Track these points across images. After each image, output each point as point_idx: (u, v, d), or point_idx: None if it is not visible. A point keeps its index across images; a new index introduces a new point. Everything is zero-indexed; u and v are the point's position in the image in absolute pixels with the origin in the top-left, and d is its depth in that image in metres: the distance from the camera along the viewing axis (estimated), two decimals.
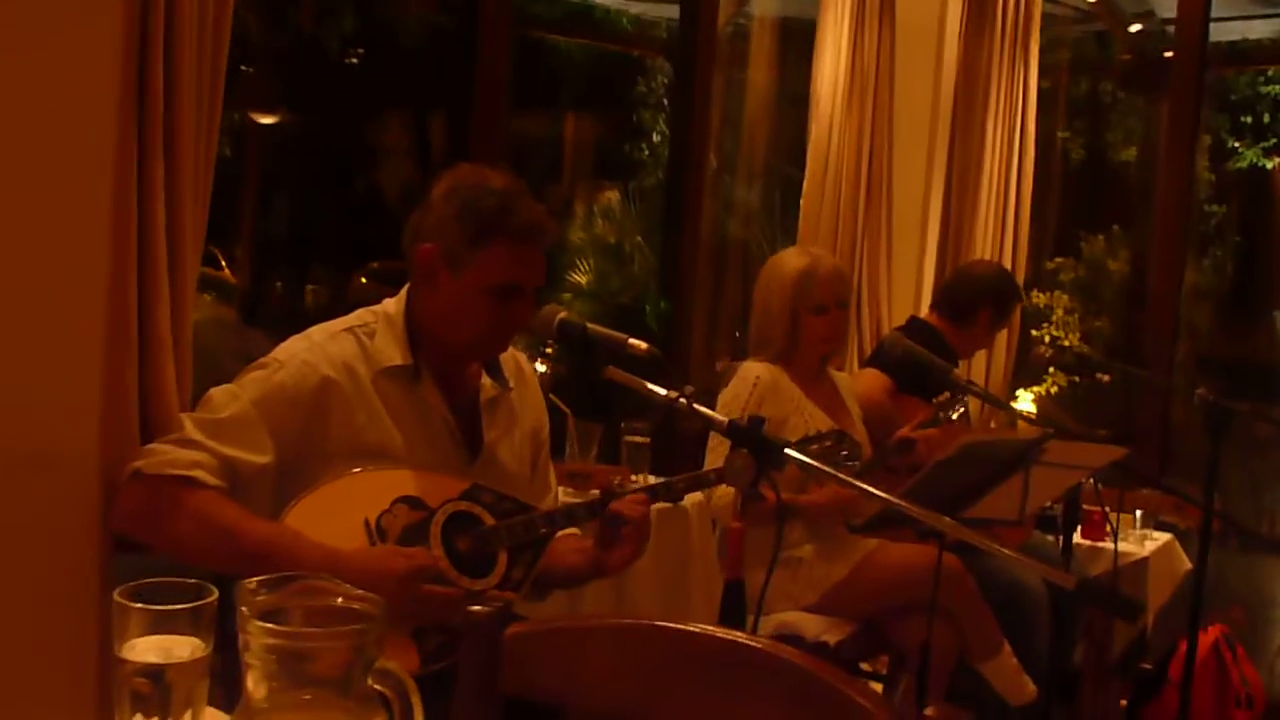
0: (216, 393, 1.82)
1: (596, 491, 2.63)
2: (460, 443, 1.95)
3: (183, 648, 0.96)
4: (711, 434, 2.81)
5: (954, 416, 2.94)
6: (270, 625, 0.82)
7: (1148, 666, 3.89)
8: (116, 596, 0.95)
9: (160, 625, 0.95)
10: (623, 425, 3.06)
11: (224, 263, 5.39)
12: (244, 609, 0.84)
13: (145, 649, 0.95)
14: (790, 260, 2.98)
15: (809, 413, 2.91)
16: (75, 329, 1.88)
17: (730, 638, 1.09)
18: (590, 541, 1.99)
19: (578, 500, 2.14)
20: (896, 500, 1.62)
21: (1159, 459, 4.32)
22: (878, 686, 3.10)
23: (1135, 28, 6.12)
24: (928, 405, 3.08)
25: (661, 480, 2.08)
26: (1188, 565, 3.85)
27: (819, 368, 3.06)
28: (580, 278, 6.84)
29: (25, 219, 1.81)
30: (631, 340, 1.83)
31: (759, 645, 1.09)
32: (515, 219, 1.86)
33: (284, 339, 1.91)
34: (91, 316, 1.88)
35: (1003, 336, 4.32)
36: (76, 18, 1.82)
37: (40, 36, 1.79)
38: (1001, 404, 3.76)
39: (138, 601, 0.95)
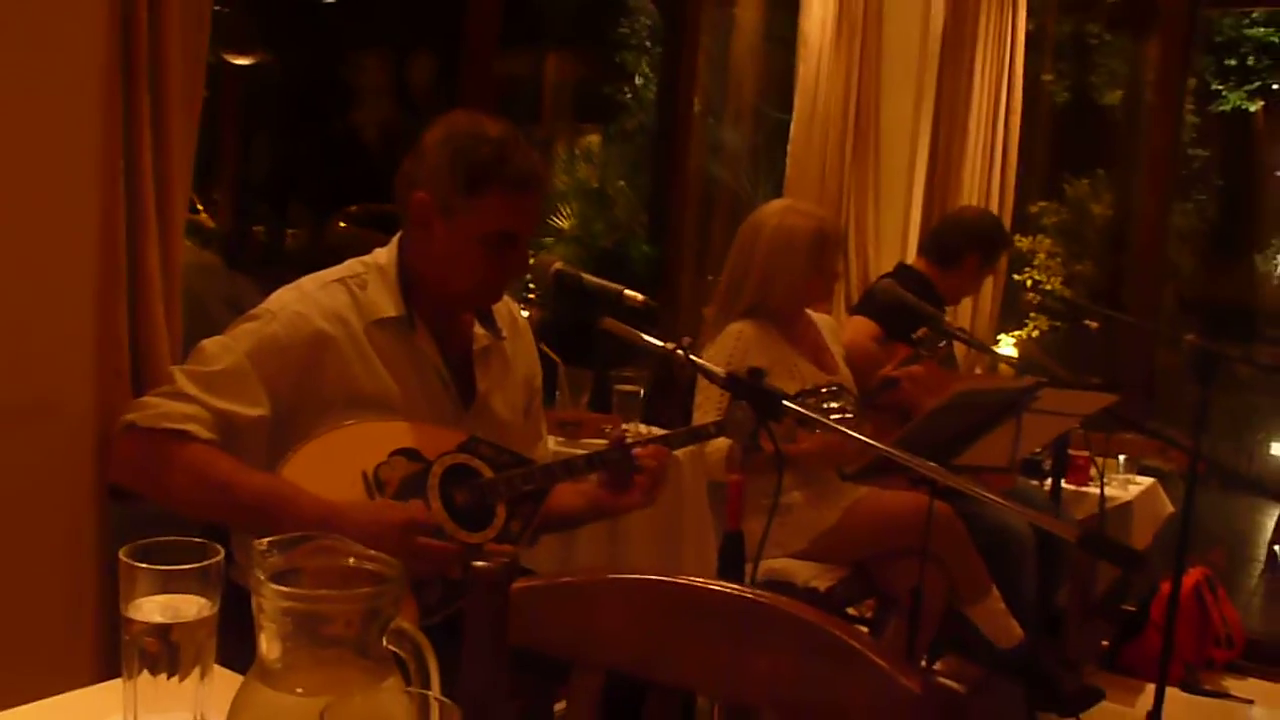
0: (208, 344, 1.80)
1: (589, 440, 2.64)
2: (453, 392, 1.95)
3: (190, 606, 0.95)
4: (699, 387, 2.81)
5: (932, 353, 2.96)
6: (285, 589, 0.81)
7: (1130, 608, 3.96)
8: (123, 556, 0.94)
9: (167, 585, 0.95)
10: (612, 373, 3.04)
11: (201, 206, 5.31)
12: (257, 571, 0.83)
13: (152, 608, 0.94)
14: (798, 221, 2.94)
15: (794, 362, 2.91)
16: (66, 276, 1.85)
17: (737, 592, 1.09)
18: (587, 485, 1.99)
19: (572, 449, 2.14)
20: (891, 450, 1.63)
21: (1143, 403, 4.36)
22: (864, 630, 3.14)
23: None
24: (911, 346, 3.09)
25: (661, 434, 2.08)
26: (1170, 508, 3.90)
27: (799, 315, 3.05)
28: (562, 222, 6.80)
29: (10, 163, 1.77)
30: (627, 291, 1.82)
31: (765, 599, 1.09)
32: (510, 168, 1.83)
33: (268, 283, 1.90)
34: (82, 262, 1.85)
35: (988, 280, 4.33)
36: None
37: None
38: (987, 349, 3.77)
39: (144, 561, 0.94)
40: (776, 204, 3.07)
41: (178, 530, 0.98)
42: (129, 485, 1.78)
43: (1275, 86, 7.07)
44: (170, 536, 0.95)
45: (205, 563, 0.94)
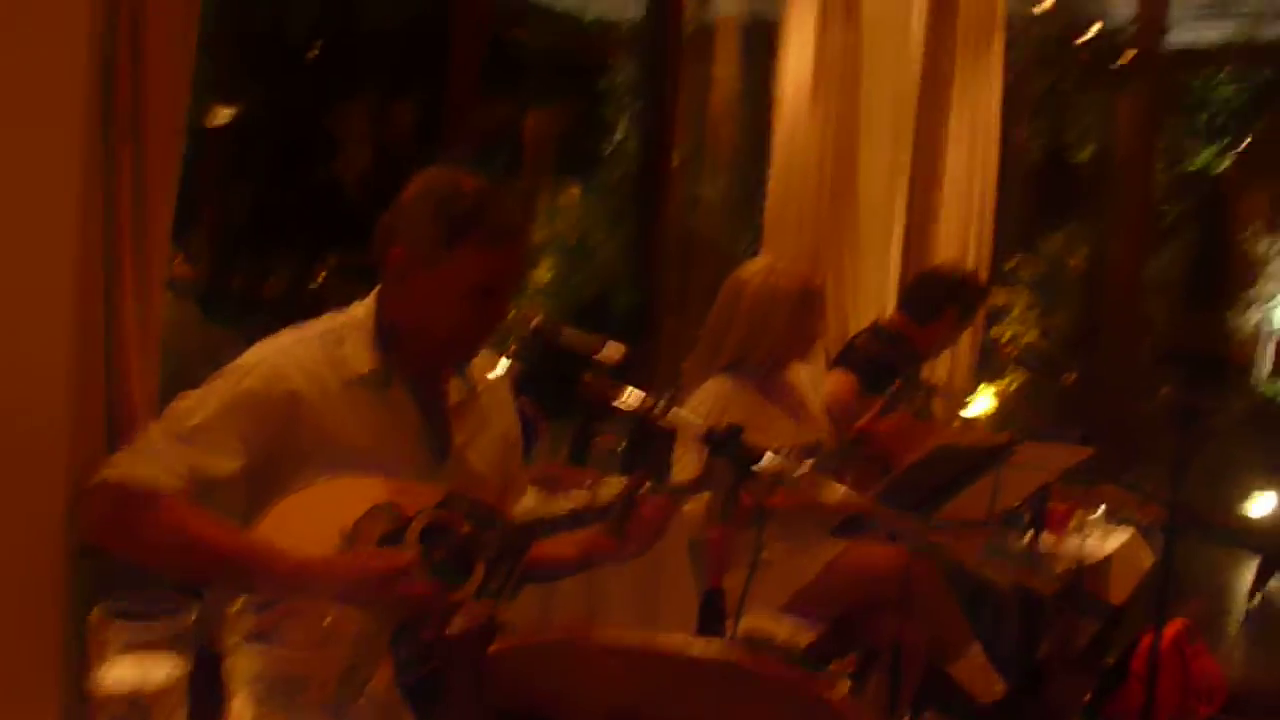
0: (184, 399, 1.79)
1: (567, 495, 2.62)
2: (429, 447, 1.94)
3: (161, 666, 0.94)
4: (678, 444, 2.81)
5: (906, 403, 2.98)
6: (261, 648, 0.81)
7: (1110, 661, 3.95)
8: (95, 614, 0.93)
9: (139, 644, 0.93)
10: (592, 427, 3.04)
11: (179, 257, 5.31)
12: (232, 633, 0.82)
13: (123, 668, 0.93)
14: (781, 282, 2.95)
15: (771, 418, 2.92)
16: (41, 329, 1.84)
17: (719, 655, 1.09)
18: (583, 533, 1.99)
19: (549, 505, 2.13)
20: (869, 502, 1.63)
21: (1121, 455, 4.38)
22: (846, 685, 3.12)
23: (1095, 29, 6.20)
24: (886, 399, 3.11)
25: (625, 494, 2.07)
26: (1149, 560, 3.91)
27: (779, 371, 3.06)
28: (542, 274, 6.83)
29: None
30: (604, 351, 1.82)
31: (746, 659, 1.09)
32: (490, 219, 1.84)
33: (245, 334, 1.89)
34: (58, 314, 1.84)
35: (966, 333, 4.36)
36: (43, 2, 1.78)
37: (3, 18, 1.75)
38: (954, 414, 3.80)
39: (115, 618, 0.93)
40: (759, 262, 3.09)
41: (150, 589, 0.97)
42: (101, 543, 1.76)
43: (1242, 145, 7.20)
44: (142, 594, 0.94)
45: (178, 622, 0.93)
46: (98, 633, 0.92)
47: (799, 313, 2.94)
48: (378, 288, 1.96)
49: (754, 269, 3.02)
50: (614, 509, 1.93)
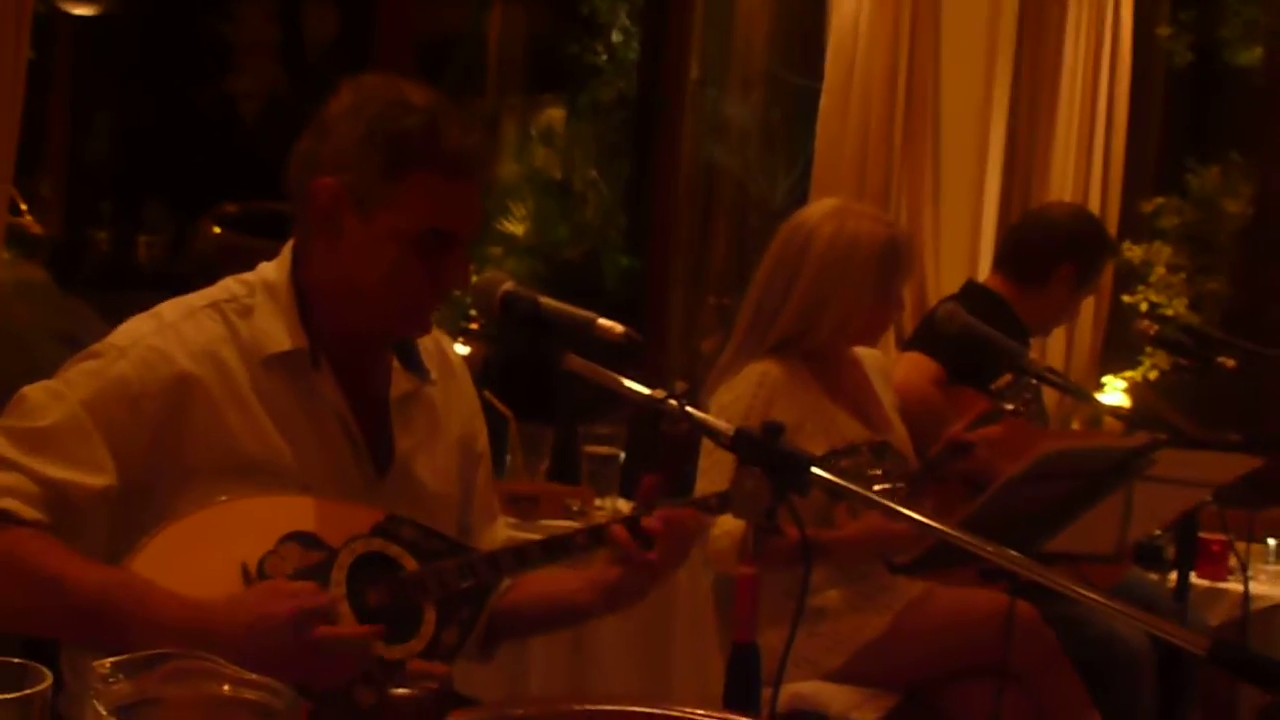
0: (33, 392, 1.80)
1: (549, 521, 2.64)
2: (364, 454, 1.95)
3: None
4: (705, 450, 2.82)
5: (1019, 407, 2.97)
6: None
7: None
8: None
9: None
10: (581, 431, 3.06)
11: (24, 206, 5.33)
12: (97, 703, 0.83)
13: None
14: (863, 228, 2.95)
15: (831, 416, 2.92)
16: None
17: None
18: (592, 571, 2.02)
19: (526, 533, 2.14)
20: (953, 532, 1.63)
21: None
22: None
23: None
24: (988, 397, 3.10)
25: (638, 508, 2.08)
26: None
27: (844, 354, 3.07)
28: (514, 226, 6.83)
29: None
30: (600, 320, 1.83)
31: None
32: (445, 142, 1.85)
33: (114, 309, 1.90)
34: None
35: (1087, 305, 4.36)
36: None
37: None
38: (1087, 396, 3.80)
39: None
40: (826, 204, 3.09)
41: None
42: None
43: None
44: None
45: (27, 691, 0.94)
46: None
47: (886, 272, 2.94)
48: (291, 241, 1.97)
49: (820, 212, 3.01)
50: (545, 555, 1.94)
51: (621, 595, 2.01)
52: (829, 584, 2.95)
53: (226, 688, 0.88)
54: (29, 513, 1.72)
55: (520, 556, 1.94)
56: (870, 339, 3.11)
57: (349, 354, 1.95)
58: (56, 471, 1.74)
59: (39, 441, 1.75)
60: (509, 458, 3.07)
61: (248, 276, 1.96)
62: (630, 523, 1.96)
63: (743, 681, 1.73)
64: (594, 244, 6.71)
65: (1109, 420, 4.24)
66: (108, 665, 0.87)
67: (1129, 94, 4.61)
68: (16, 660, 0.95)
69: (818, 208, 3.06)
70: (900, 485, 2.31)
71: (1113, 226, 4.44)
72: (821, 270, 2.93)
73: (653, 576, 1.98)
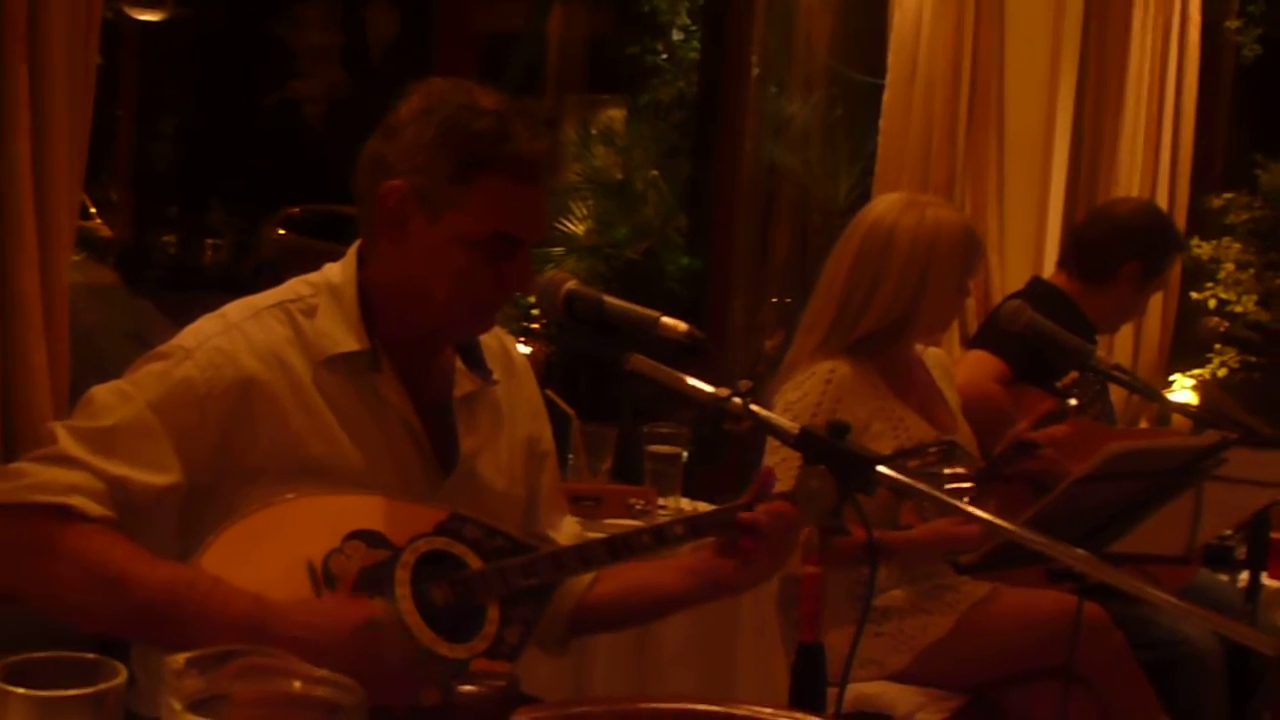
0: (101, 392, 1.82)
1: (611, 520, 2.64)
2: (429, 454, 1.96)
3: None
4: (770, 449, 2.81)
5: (1083, 404, 2.95)
6: None
7: None
8: None
9: (50, 716, 0.95)
10: (644, 430, 3.06)
11: (94, 210, 5.41)
12: (170, 699, 0.84)
13: None
14: (944, 217, 2.94)
15: (900, 416, 2.91)
16: None
17: None
18: (690, 559, 2.02)
19: (590, 531, 2.14)
20: (1026, 533, 1.62)
21: None
22: None
23: None
24: (1054, 395, 3.08)
25: (702, 511, 2.08)
26: None
27: (911, 351, 3.06)
28: (574, 226, 6.84)
29: None
30: (664, 319, 1.82)
31: None
32: (515, 147, 1.86)
33: (180, 310, 1.92)
34: None
35: (1155, 302, 4.32)
36: None
37: None
38: (1156, 394, 3.75)
39: (20, 684, 0.95)
40: (894, 198, 3.08)
41: (63, 643, 0.98)
42: None
43: None
44: (54, 652, 0.96)
45: (101, 687, 0.95)
46: None
47: (968, 260, 2.93)
48: (357, 243, 1.98)
49: (895, 206, 2.99)
50: (610, 554, 1.94)
51: (724, 587, 2.01)
52: (893, 584, 2.94)
53: (297, 684, 0.89)
54: (96, 509, 1.74)
55: (584, 556, 1.94)
56: (940, 332, 3.09)
57: (411, 355, 1.97)
58: (122, 470, 1.76)
59: (105, 440, 1.77)
60: (571, 457, 3.07)
61: (313, 277, 1.98)
62: (724, 516, 1.96)
63: (809, 681, 1.73)
64: (654, 243, 6.71)
65: (1178, 419, 4.19)
66: (181, 661, 0.88)
67: (1197, 88, 4.56)
68: (91, 655, 0.97)
69: (887, 202, 3.04)
70: (969, 485, 2.30)
71: (1180, 222, 4.39)
72: (909, 264, 2.91)
73: (761, 570, 1.97)
